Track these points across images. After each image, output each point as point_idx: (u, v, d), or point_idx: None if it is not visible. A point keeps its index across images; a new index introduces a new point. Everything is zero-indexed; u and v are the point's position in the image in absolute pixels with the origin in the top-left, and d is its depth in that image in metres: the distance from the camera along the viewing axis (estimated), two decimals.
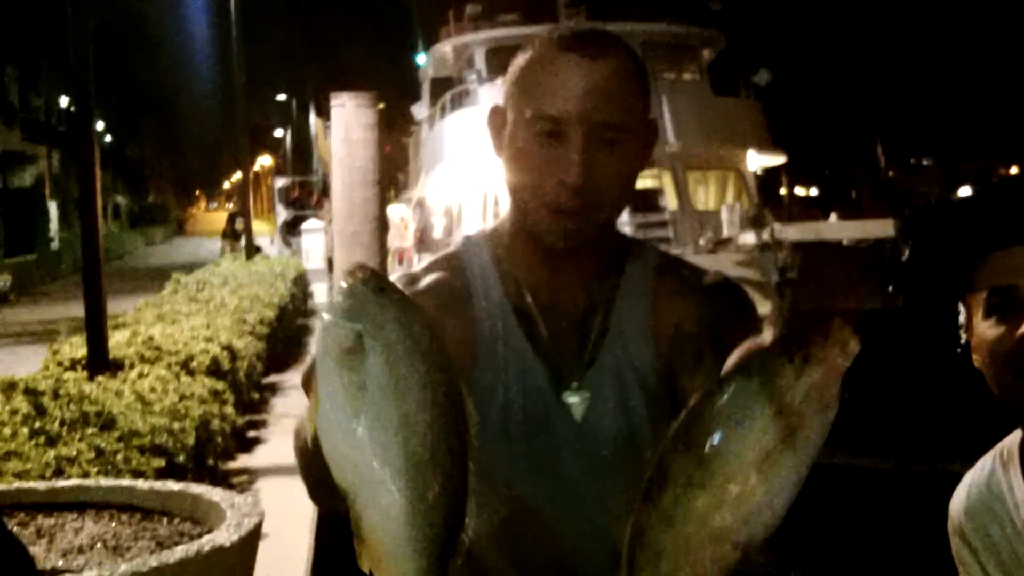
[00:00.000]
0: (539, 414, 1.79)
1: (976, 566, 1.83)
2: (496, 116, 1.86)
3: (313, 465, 1.46)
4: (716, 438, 1.26)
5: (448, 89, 23.86)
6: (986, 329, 1.72)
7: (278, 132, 70.78)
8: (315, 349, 1.36)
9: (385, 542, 1.34)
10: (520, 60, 1.82)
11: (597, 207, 1.77)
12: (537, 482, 1.79)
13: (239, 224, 29.42)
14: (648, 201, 18.59)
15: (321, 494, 1.56)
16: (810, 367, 1.23)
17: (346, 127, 10.06)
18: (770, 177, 27.04)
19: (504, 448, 1.78)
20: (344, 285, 1.35)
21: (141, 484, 3.87)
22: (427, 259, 1.98)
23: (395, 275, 1.88)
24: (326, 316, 1.35)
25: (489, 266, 1.89)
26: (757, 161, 21.36)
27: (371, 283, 1.36)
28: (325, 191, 25.14)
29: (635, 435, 1.79)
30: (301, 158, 55.47)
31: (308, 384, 1.38)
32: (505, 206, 1.94)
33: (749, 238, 14.91)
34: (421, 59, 28.14)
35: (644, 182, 19.06)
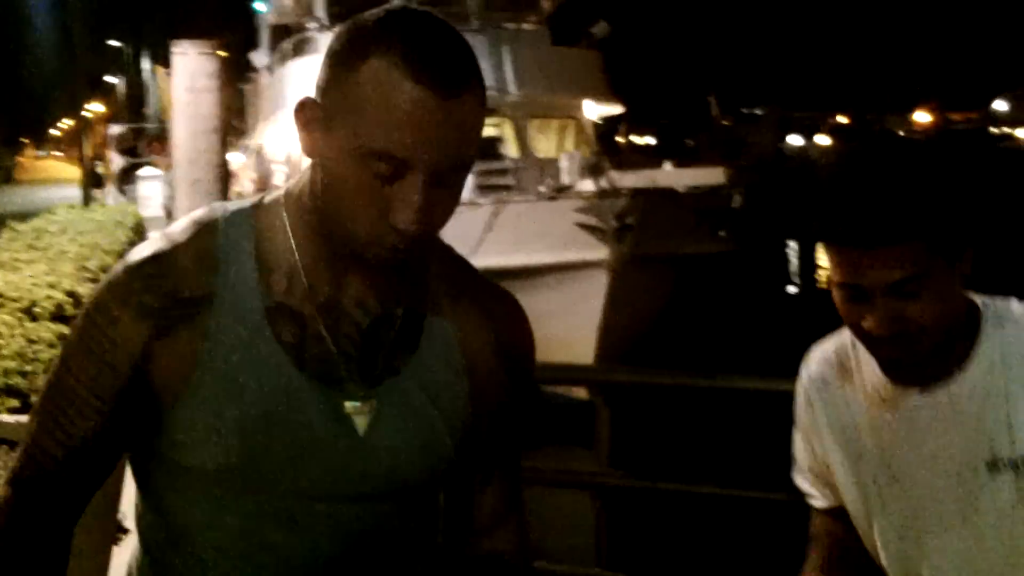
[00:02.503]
0: (303, 426, 1.62)
1: (812, 423, 2.10)
2: (306, 111, 1.59)
3: None
4: None
5: (288, 36, 23.66)
6: (839, 300, 1.87)
7: (110, 79, 68.93)
8: None
9: None
10: (350, 72, 1.53)
11: (427, 238, 1.61)
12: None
13: (101, 168, 28.59)
14: (489, 149, 18.80)
15: None
16: None
17: (190, 75, 10.06)
18: (609, 126, 27.44)
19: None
20: None
21: (6, 417, 3.95)
22: (181, 232, 1.67)
23: (147, 247, 1.67)
24: None
25: (250, 264, 1.66)
26: (596, 111, 21.74)
27: None
28: (161, 138, 24.74)
29: (431, 458, 1.70)
30: (134, 105, 54.19)
31: None
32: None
33: (588, 185, 15.28)
34: (260, 5, 27.79)
35: (486, 131, 19.23)
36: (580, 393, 14.48)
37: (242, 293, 1.63)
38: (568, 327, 14.90)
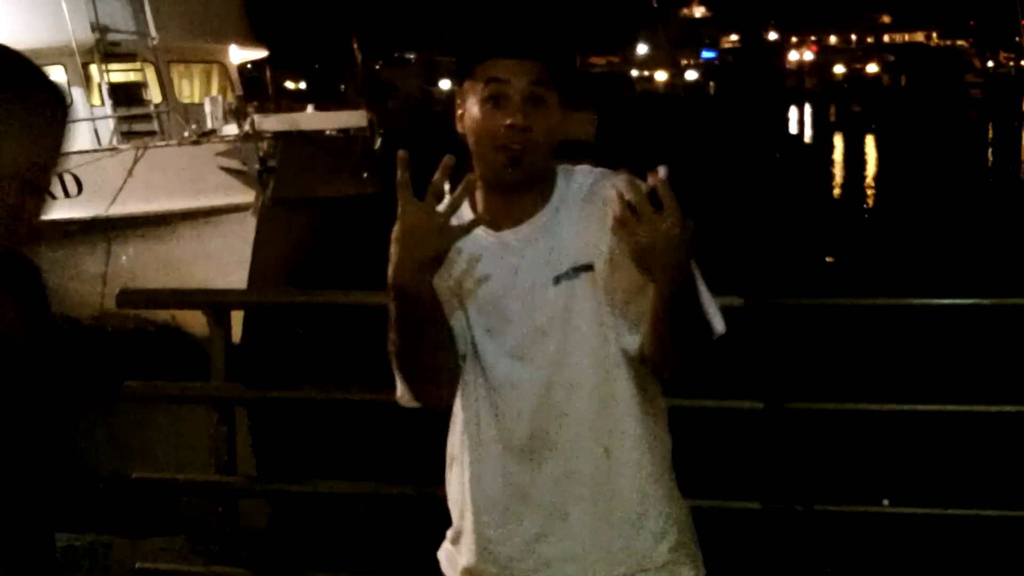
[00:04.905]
0: None
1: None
2: None
3: None
4: None
5: None
6: (480, 115, 2.46)
7: None
8: None
9: None
10: None
11: None
12: None
13: None
14: (132, 95, 18.53)
15: None
16: None
17: None
18: (259, 71, 27.39)
19: None
20: None
21: None
22: None
23: None
24: None
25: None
26: (239, 55, 21.69)
27: None
28: None
29: None
30: None
31: None
32: None
33: (232, 129, 15.37)
34: None
35: (127, 76, 18.94)
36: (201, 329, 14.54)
37: None
38: (217, 271, 15.05)
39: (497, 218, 2.54)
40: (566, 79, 2.52)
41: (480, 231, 2.52)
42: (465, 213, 2.53)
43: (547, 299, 2.50)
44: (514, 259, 2.53)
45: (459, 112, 2.54)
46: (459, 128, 2.55)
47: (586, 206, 2.51)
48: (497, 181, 2.51)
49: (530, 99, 2.46)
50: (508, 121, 2.44)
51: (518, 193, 2.53)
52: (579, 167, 2.60)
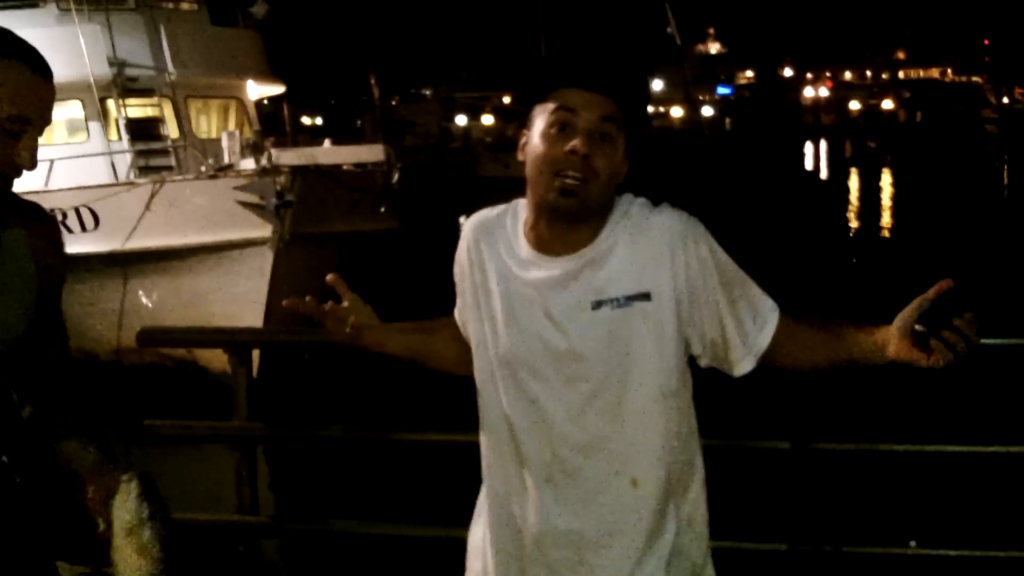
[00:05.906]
0: None
1: (475, 260, 2.63)
2: None
3: None
4: None
5: None
6: (544, 140, 2.45)
7: None
8: None
9: None
10: None
11: None
12: None
13: None
14: (149, 130, 18.58)
15: None
16: None
17: None
18: (276, 107, 27.50)
19: None
20: None
21: None
22: None
23: None
24: None
25: None
26: (257, 91, 21.76)
27: None
28: None
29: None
30: None
31: None
32: None
33: (249, 164, 15.39)
34: None
35: (145, 111, 19.02)
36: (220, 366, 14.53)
37: None
38: (234, 306, 15.03)
39: (548, 244, 2.53)
40: (636, 124, 2.50)
41: (527, 253, 2.54)
42: (519, 241, 2.55)
43: (583, 323, 2.48)
44: (553, 283, 2.51)
45: (522, 140, 2.54)
46: (519, 155, 2.55)
47: (642, 238, 2.49)
48: (550, 209, 2.49)
49: (597, 133, 2.44)
50: (569, 147, 2.42)
51: (571, 224, 2.50)
52: (638, 199, 2.57)
